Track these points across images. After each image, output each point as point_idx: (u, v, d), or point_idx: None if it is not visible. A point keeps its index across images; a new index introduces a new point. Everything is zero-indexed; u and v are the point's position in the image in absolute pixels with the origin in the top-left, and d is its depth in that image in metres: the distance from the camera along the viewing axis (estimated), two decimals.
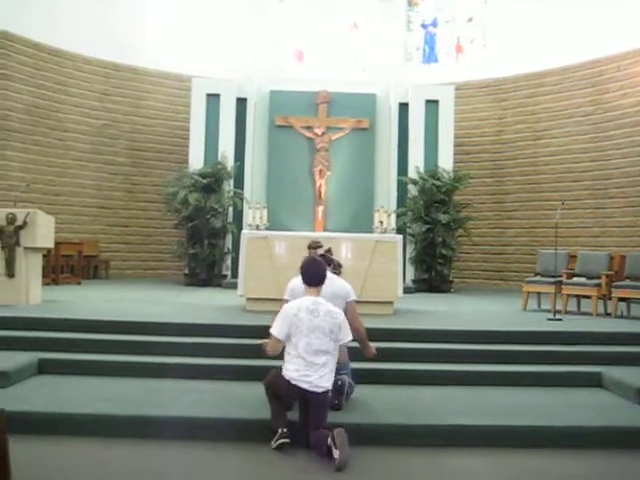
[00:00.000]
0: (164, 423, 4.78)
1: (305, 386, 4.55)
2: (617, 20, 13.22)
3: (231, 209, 13.96)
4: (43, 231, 8.73)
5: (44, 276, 9.72)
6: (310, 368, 4.59)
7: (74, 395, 5.37)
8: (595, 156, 13.88)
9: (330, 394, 4.76)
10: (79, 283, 12.76)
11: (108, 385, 5.73)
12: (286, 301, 5.33)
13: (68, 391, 5.51)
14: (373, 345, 5.53)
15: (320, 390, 4.58)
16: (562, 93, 14.49)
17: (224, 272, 13.80)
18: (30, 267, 8.61)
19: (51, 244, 9.30)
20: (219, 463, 4.40)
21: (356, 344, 5.50)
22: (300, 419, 4.68)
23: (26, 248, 8.51)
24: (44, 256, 9.85)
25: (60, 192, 14.24)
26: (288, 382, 4.60)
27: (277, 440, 4.52)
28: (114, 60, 14.99)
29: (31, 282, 8.63)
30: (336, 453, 4.22)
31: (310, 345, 4.60)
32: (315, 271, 4.87)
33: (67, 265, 13.36)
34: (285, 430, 4.54)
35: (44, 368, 6.13)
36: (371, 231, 11.79)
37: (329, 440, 4.30)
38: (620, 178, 13.38)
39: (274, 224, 12.57)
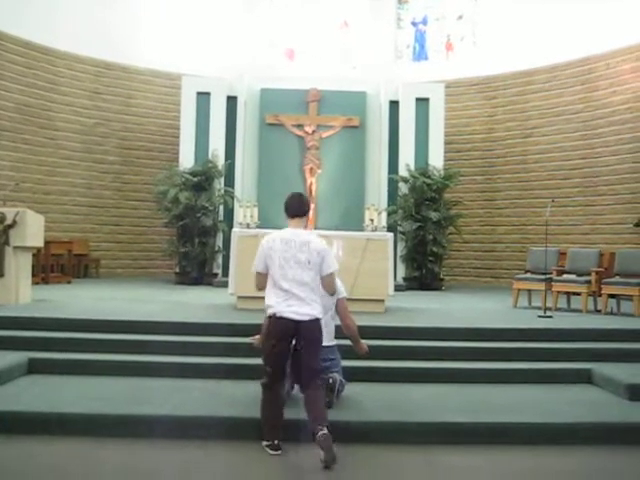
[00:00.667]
0: (155, 422, 4.77)
1: (291, 315, 4.42)
2: (606, 18, 13.27)
3: (222, 207, 13.93)
4: (33, 230, 8.68)
5: (34, 275, 9.68)
6: (291, 299, 4.46)
7: (64, 394, 5.35)
8: (585, 154, 13.95)
9: (321, 327, 4.58)
10: (69, 282, 12.71)
11: (99, 384, 5.71)
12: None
13: (58, 390, 5.49)
14: (365, 342, 5.54)
15: (307, 318, 4.43)
16: (552, 91, 14.54)
17: (215, 271, 13.77)
18: (20, 266, 8.56)
19: (41, 243, 9.26)
20: (210, 461, 4.39)
21: (348, 342, 5.52)
22: (291, 370, 4.59)
23: (16, 247, 8.46)
24: (34, 255, 9.80)
25: (50, 191, 14.18)
26: (274, 319, 4.44)
27: (269, 449, 4.45)
28: (105, 58, 14.93)
29: (21, 281, 8.59)
30: (321, 454, 4.18)
31: (285, 276, 4.47)
32: (297, 202, 4.74)
33: (57, 264, 13.29)
34: (277, 442, 4.45)
35: (34, 368, 6.10)
36: (362, 229, 11.78)
37: (316, 435, 4.24)
38: (609, 175, 13.45)
39: (265, 222, 12.50)
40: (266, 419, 4.56)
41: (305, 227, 4.82)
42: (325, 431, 4.24)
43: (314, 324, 4.50)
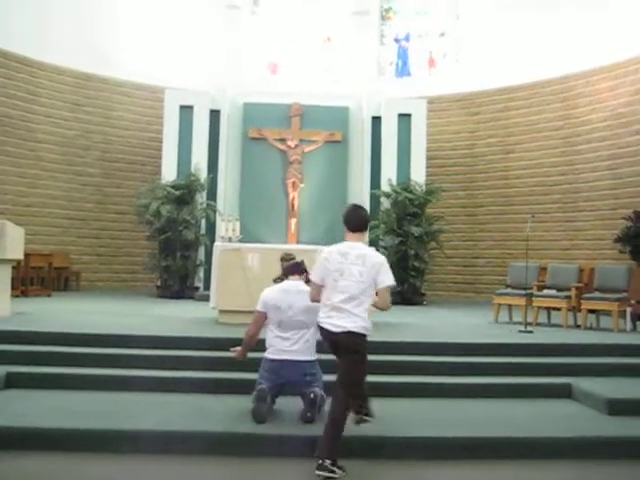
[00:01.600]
0: (136, 437, 4.73)
1: (328, 327, 4.54)
2: (586, 37, 13.46)
3: (204, 221, 13.90)
4: (13, 242, 8.61)
5: (13, 288, 9.57)
6: (332, 310, 4.55)
7: (43, 409, 5.29)
8: (565, 170, 14.09)
9: (361, 340, 4.55)
10: (49, 295, 12.60)
11: (79, 399, 5.66)
12: (258, 311, 5.38)
13: (37, 405, 5.42)
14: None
15: (341, 330, 4.47)
16: (532, 108, 14.70)
17: (196, 284, 13.72)
18: None
19: (20, 255, 9.18)
20: (192, 476, 4.36)
21: (329, 356, 5.50)
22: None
23: None
24: (13, 268, 9.70)
25: (30, 203, 14.07)
26: (320, 328, 4.64)
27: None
28: (86, 70, 14.86)
29: (0, 294, 8.49)
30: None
31: (336, 288, 4.53)
32: (356, 216, 4.77)
33: (37, 277, 13.17)
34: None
35: (13, 382, 6.03)
36: None
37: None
38: (589, 192, 13.59)
39: (247, 236, 12.54)
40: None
41: (363, 241, 4.81)
42: (318, 462, 4.27)
43: (349, 337, 4.48)
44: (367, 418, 4.47)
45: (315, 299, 4.75)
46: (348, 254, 4.58)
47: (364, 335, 4.55)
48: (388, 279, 4.56)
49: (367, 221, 4.82)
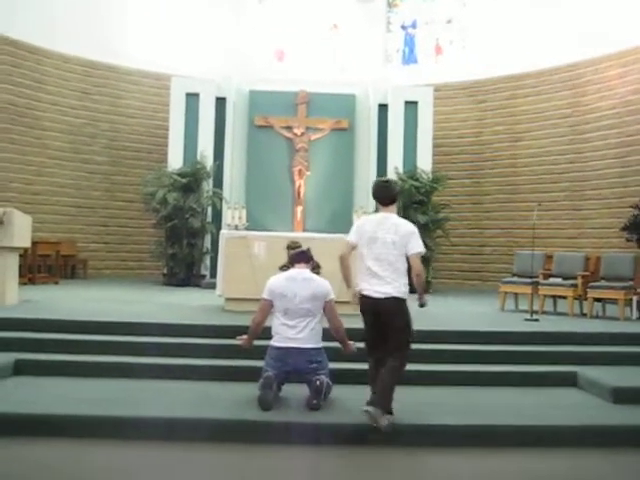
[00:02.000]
0: (143, 423, 4.76)
1: (372, 294, 4.79)
2: (595, 23, 13.36)
3: (210, 209, 13.92)
4: (20, 230, 8.63)
5: (21, 276, 9.62)
6: (373, 277, 4.81)
7: (52, 396, 5.33)
8: (573, 158, 14.03)
9: (404, 305, 4.85)
10: (57, 283, 12.66)
11: (86, 386, 5.70)
12: (264, 299, 5.39)
13: (45, 392, 5.47)
14: (353, 343, 5.56)
15: (384, 296, 4.76)
16: (540, 95, 14.63)
17: (203, 272, 13.75)
18: (7, 267, 8.50)
19: (28, 244, 9.21)
20: (198, 463, 4.39)
21: (335, 344, 5.54)
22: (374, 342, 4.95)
23: (2, 248, 8.40)
24: (21, 256, 9.75)
25: (38, 191, 14.11)
26: (360, 296, 4.86)
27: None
28: (93, 58, 14.87)
29: (7, 282, 8.53)
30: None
31: (371, 255, 4.84)
32: (385, 191, 5.09)
33: (44, 265, 13.22)
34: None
35: (21, 369, 6.07)
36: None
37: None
38: (597, 180, 13.54)
39: (253, 224, 12.55)
40: (371, 380, 4.94)
41: (395, 212, 5.10)
42: (370, 408, 4.61)
43: (391, 302, 4.78)
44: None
45: (345, 257, 5.01)
46: (382, 223, 4.91)
47: (405, 300, 4.85)
48: (418, 246, 4.86)
49: (396, 194, 5.18)
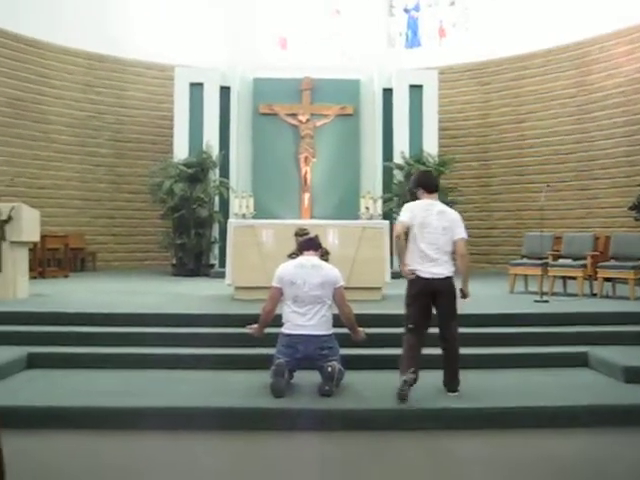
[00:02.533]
0: (155, 414, 4.79)
1: (427, 275, 5.17)
2: (600, 1, 13.24)
3: (217, 198, 13.92)
4: (29, 225, 8.66)
5: (31, 270, 9.65)
6: (426, 260, 5.20)
7: (64, 388, 5.37)
8: (579, 138, 13.95)
9: (454, 283, 5.27)
10: (66, 276, 12.71)
11: (98, 377, 5.73)
12: (274, 287, 5.41)
13: (58, 384, 5.50)
14: (362, 330, 5.58)
15: (439, 276, 5.18)
16: (546, 75, 14.52)
17: (211, 262, 13.78)
18: (16, 261, 8.54)
19: (37, 238, 9.24)
20: (211, 451, 4.42)
21: (346, 330, 5.56)
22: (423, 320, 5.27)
23: (12, 242, 8.44)
24: (30, 250, 9.79)
25: (44, 185, 14.14)
26: (415, 278, 5.20)
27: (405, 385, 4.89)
28: (96, 51, 14.84)
29: (18, 276, 8.57)
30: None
31: (423, 239, 5.20)
32: (430, 179, 5.61)
33: (53, 258, 13.28)
34: (413, 371, 4.95)
35: (33, 362, 6.11)
36: (357, 217, 11.80)
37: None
38: (604, 159, 13.46)
39: (260, 212, 12.53)
40: (406, 354, 5.17)
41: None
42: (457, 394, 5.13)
43: (445, 281, 5.22)
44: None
45: (400, 237, 5.27)
46: (430, 210, 5.29)
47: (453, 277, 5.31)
48: (463, 232, 5.34)
49: (439, 182, 5.76)
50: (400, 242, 5.27)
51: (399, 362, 5.17)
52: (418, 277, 5.21)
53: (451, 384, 5.26)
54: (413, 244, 5.26)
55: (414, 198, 5.70)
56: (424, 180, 5.54)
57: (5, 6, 13.24)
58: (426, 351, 6.37)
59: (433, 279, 5.19)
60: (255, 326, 5.58)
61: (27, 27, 13.66)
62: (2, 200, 9.56)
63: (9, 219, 8.38)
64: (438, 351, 6.31)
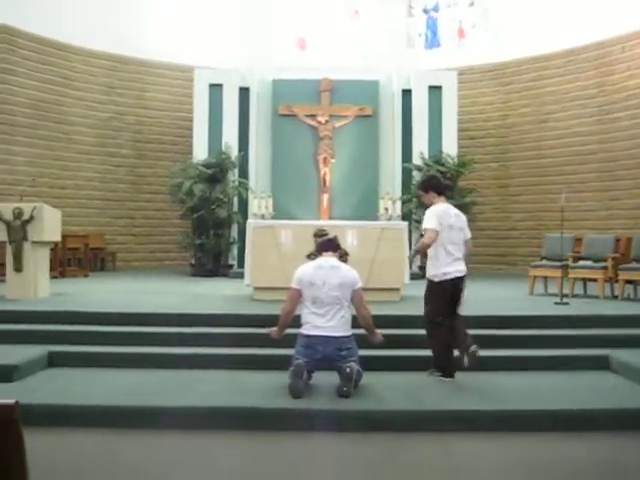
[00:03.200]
0: (173, 413, 4.82)
1: (456, 274, 5.73)
2: (621, 0, 13.12)
3: (236, 199, 13.96)
4: (50, 225, 8.75)
5: (51, 269, 9.76)
6: (454, 259, 5.76)
7: (85, 387, 5.42)
8: (601, 138, 13.82)
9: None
10: (86, 276, 12.81)
11: (118, 376, 5.78)
12: (293, 288, 5.41)
13: (79, 383, 5.56)
14: (380, 332, 5.58)
15: (463, 273, 5.80)
16: (567, 76, 14.41)
17: (230, 262, 13.82)
18: (38, 261, 8.63)
19: (58, 238, 9.33)
20: (230, 450, 4.43)
21: (364, 331, 5.56)
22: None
23: (33, 242, 8.53)
24: (51, 249, 9.88)
25: (66, 185, 14.27)
26: (446, 279, 5.72)
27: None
28: (118, 53, 14.95)
29: (39, 276, 8.67)
30: (465, 361, 5.58)
31: (451, 239, 5.77)
32: (441, 181, 6.27)
33: (74, 258, 13.39)
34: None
35: (54, 361, 6.18)
36: (376, 218, 11.79)
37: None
38: (626, 160, 13.32)
39: (279, 213, 12.57)
40: (445, 344, 5.73)
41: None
42: (474, 348, 5.53)
43: (465, 276, 5.85)
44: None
45: (431, 242, 5.70)
46: (449, 212, 5.88)
47: None
48: (469, 232, 6.03)
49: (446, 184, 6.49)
50: (429, 247, 5.77)
51: (440, 357, 5.79)
52: (448, 279, 5.70)
53: (464, 346, 5.67)
54: (440, 247, 5.71)
55: (419, 200, 6.02)
56: (435, 183, 6.08)
57: (29, 9, 13.37)
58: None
59: (459, 277, 5.74)
60: (275, 329, 5.59)
61: (51, 30, 13.78)
62: (24, 200, 9.65)
63: (31, 219, 8.47)
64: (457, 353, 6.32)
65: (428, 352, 6.28)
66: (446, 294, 5.72)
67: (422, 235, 5.94)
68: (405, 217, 12.48)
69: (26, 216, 8.46)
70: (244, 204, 13.88)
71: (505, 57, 15.19)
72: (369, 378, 5.46)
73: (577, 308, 7.97)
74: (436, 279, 5.77)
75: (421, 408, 4.95)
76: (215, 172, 13.60)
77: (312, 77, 14.31)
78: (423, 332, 6.64)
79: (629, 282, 9.19)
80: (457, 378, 5.75)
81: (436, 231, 5.67)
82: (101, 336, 6.66)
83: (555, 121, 14.60)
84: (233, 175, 13.99)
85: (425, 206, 6.21)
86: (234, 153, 13.98)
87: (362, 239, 8.60)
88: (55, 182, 14.03)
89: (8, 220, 8.44)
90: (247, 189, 13.88)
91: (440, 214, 5.77)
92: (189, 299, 8.87)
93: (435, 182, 6.09)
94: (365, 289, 5.60)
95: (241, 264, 11.72)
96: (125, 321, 7.00)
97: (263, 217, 11.54)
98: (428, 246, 5.73)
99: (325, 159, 14.13)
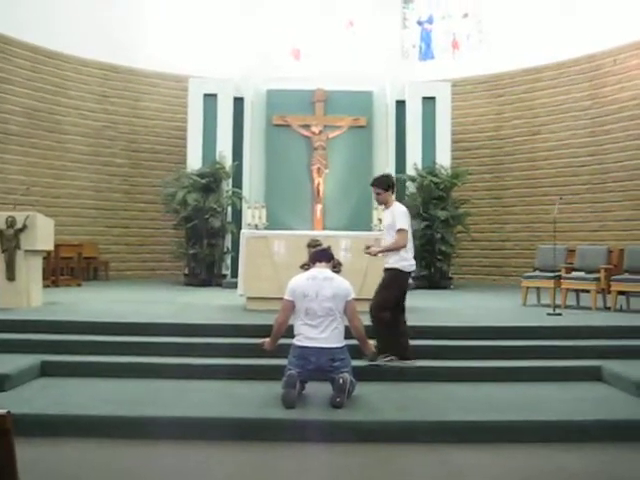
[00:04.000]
0: (166, 423, 4.80)
1: (414, 268, 6.36)
2: (613, 13, 13.23)
3: (230, 209, 13.97)
4: (43, 234, 8.73)
5: (44, 278, 9.73)
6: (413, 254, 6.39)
7: (77, 397, 5.39)
8: (593, 150, 13.90)
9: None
10: (79, 285, 12.78)
11: (111, 386, 5.75)
12: (286, 300, 5.41)
13: (71, 393, 5.53)
14: (372, 343, 5.58)
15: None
16: (559, 88, 14.51)
17: (224, 272, 13.81)
18: (30, 270, 8.61)
19: (51, 247, 9.31)
20: (222, 462, 4.42)
21: (356, 342, 5.56)
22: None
23: (26, 251, 8.50)
24: (44, 258, 9.86)
25: (59, 194, 14.25)
26: (412, 270, 6.31)
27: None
28: (112, 62, 14.98)
29: (32, 285, 8.64)
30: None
31: (411, 238, 6.33)
32: (390, 179, 6.51)
33: (67, 267, 13.37)
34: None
35: (47, 370, 6.15)
36: (370, 229, 11.82)
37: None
38: (618, 172, 13.40)
39: (273, 223, 12.59)
40: (388, 332, 6.09)
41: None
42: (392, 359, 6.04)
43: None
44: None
45: (406, 243, 6.17)
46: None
47: None
48: None
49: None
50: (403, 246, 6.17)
51: (392, 341, 6.12)
52: (412, 270, 6.30)
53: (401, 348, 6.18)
54: (409, 242, 6.22)
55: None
56: (394, 182, 6.47)
57: (22, 18, 13.39)
58: (439, 364, 6.38)
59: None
60: (267, 340, 5.58)
61: (44, 38, 13.80)
62: (17, 209, 9.62)
63: (24, 228, 8.45)
64: (451, 364, 6.33)
65: (423, 362, 6.31)
66: (407, 283, 6.27)
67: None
68: None
69: (19, 225, 8.44)
70: (238, 214, 13.89)
71: (498, 69, 15.28)
72: (362, 389, 5.46)
73: (570, 319, 7.99)
74: (406, 269, 6.17)
75: (414, 419, 4.94)
76: (209, 182, 13.61)
77: (306, 87, 14.38)
78: (418, 342, 6.67)
79: (621, 293, 9.22)
80: (449, 388, 5.75)
81: (406, 232, 6.19)
82: (94, 345, 6.64)
83: (548, 132, 14.69)
84: (227, 185, 13.99)
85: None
86: (228, 163, 13.99)
87: (356, 249, 8.59)
88: (48, 191, 14.01)
89: (1, 229, 8.42)
90: (241, 199, 13.89)
91: (408, 214, 6.28)
92: (182, 309, 8.86)
93: (394, 181, 6.48)
94: (358, 299, 5.60)
95: (234, 274, 11.71)
96: (118, 331, 6.99)
97: (257, 227, 11.56)
98: (404, 247, 6.13)
99: (319, 169, 14.18)
